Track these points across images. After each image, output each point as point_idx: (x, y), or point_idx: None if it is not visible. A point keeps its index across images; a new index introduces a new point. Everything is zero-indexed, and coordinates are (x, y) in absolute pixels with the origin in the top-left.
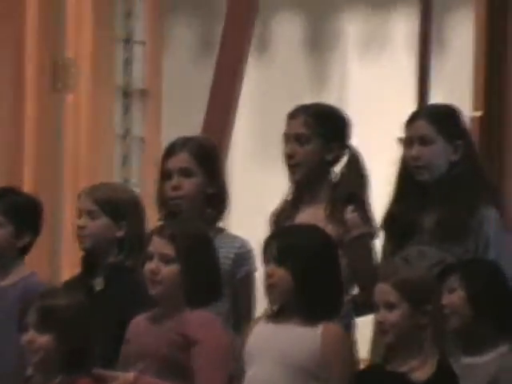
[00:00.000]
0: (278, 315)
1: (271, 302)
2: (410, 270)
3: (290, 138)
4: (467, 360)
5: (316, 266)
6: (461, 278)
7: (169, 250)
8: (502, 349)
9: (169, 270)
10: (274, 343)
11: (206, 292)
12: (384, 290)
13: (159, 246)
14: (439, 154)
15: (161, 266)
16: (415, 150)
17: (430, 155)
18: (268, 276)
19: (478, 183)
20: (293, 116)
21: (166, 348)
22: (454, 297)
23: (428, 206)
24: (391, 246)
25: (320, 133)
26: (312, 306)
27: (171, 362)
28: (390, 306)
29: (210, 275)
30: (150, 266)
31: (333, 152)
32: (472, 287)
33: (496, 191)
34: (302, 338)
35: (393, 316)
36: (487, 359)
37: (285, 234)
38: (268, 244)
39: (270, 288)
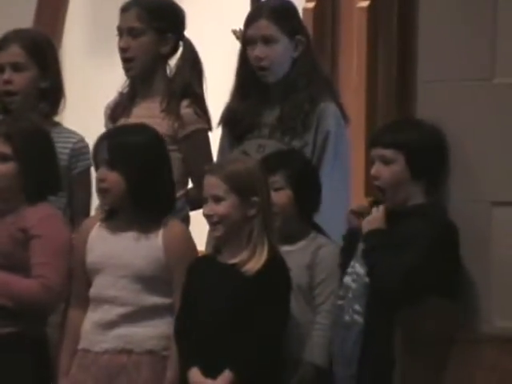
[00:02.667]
0: (114, 221)
1: (104, 206)
2: (237, 162)
3: (123, 31)
4: (285, 248)
5: (147, 167)
6: (287, 177)
7: (5, 148)
8: (312, 235)
9: (5, 168)
10: (115, 254)
11: (44, 187)
12: (212, 183)
13: None
14: (283, 53)
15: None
16: (259, 50)
17: (275, 55)
18: (100, 180)
19: (316, 77)
20: (125, 9)
21: (6, 244)
22: (281, 196)
23: (269, 103)
24: (230, 140)
25: (154, 26)
26: (148, 208)
27: (11, 258)
28: (218, 199)
29: (47, 170)
30: None
31: (168, 44)
32: (299, 187)
33: (333, 85)
34: (145, 246)
35: (221, 208)
36: (302, 245)
37: (115, 136)
38: (98, 146)
39: (102, 192)
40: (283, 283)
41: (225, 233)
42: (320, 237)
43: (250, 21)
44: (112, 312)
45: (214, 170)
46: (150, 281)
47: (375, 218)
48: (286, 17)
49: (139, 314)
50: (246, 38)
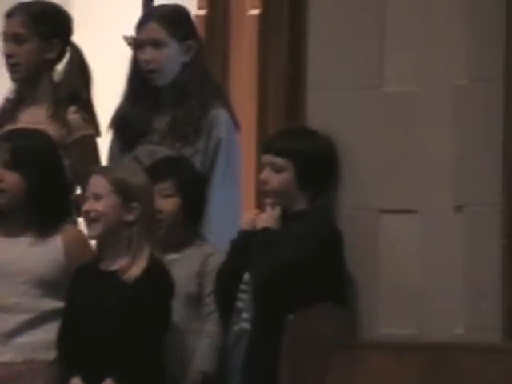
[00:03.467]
0: (5, 227)
1: (1, 207)
2: (124, 167)
3: (7, 37)
4: (171, 256)
5: (48, 170)
6: (176, 185)
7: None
8: (198, 243)
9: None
10: (11, 260)
11: None
12: (95, 182)
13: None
14: (172, 57)
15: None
16: (147, 53)
17: (163, 59)
18: None
19: (206, 84)
20: (10, 15)
21: None
22: (169, 203)
23: (160, 108)
24: (120, 145)
25: (38, 32)
26: (45, 212)
27: None
28: (99, 197)
29: None
30: None
31: (53, 50)
32: (187, 195)
33: (224, 92)
34: (44, 251)
35: (100, 205)
36: (188, 253)
37: (16, 138)
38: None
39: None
40: (163, 289)
41: (102, 232)
42: (207, 245)
43: (140, 24)
44: (12, 320)
45: (101, 170)
46: (50, 285)
47: (270, 216)
48: (176, 21)
49: (41, 320)
50: (136, 42)
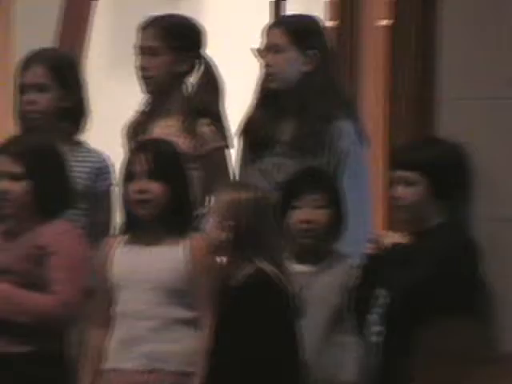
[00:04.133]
0: (136, 236)
1: (144, 217)
2: (230, 191)
3: (141, 50)
4: (308, 268)
5: (183, 181)
6: (328, 196)
7: (15, 167)
8: (335, 254)
9: (17, 188)
10: (139, 268)
11: (56, 204)
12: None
13: (5, 164)
14: (290, 63)
15: (9, 184)
16: (268, 57)
17: (281, 63)
18: (141, 191)
19: (332, 95)
20: (143, 28)
21: (22, 262)
22: (321, 214)
23: (284, 117)
24: (248, 155)
25: (171, 45)
26: (180, 222)
27: (29, 277)
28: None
29: (59, 188)
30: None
31: (185, 63)
32: (336, 205)
33: (351, 103)
34: (170, 259)
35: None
36: (329, 264)
37: (154, 147)
38: (136, 158)
39: (143, 204)
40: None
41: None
42: (346, 257)
43: (266, 31)
44: (138, 327)
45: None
46: (174, 293)
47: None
48: (299, 29)
49: (164, 328)
50: (258, 50)
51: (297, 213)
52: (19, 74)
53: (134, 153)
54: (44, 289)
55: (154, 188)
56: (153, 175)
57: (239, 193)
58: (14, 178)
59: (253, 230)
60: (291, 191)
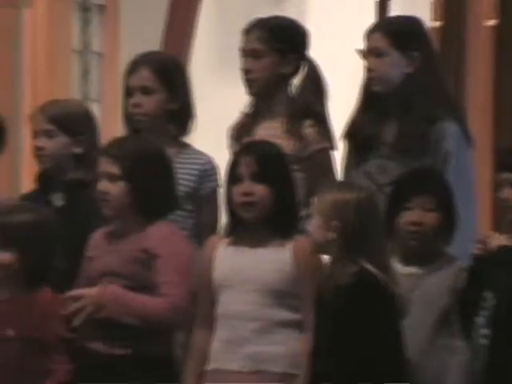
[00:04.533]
0: (240, 237)
1: (249, 220)
2: (337, 191)
3: (245, 52)
4: (417, 270)
5: (287, 183)
6: (437, 199)
7: (114, 168)
8: (446, 256)
9: (115, 189)
10: (243, 269)
11: (159, 206)
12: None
13: (105, 165)
14: (392, 66)
15: (108, 185)
16: (370, 61)
17: (383, 67)
18: (245, 194)
19: (435, 96)
20: (248, 31)
21: (130, 266)
22: (429, 217)
23: (387, 118)
24: (352, 158)
25: (275, 47)
26: (285, 223)
27: (137, 279)
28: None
29: (160, 190)
30: (99, 185)
31: (290, 65)
32: (446, 207)
33: (456, 104)
34: (274, 260)
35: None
36: (439, 266)
37: (259, 149)
38: (241, 160)
39: (247, 206)
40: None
41: None
42: (454, 259)
43: (368, 34)
44: (242, 328)
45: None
46: (278, 295)
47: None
48: (400, 31)
49: (269, 329)
50: (363, 51)
51: (407, 214)
52: (126, 76)
53: (238, 155)
54: (152, 291)
55: (259, 190)
56: (257, 177)
57: (345, 193)
58: (112, 178)
59: (358, 231)
60: (400, 192)
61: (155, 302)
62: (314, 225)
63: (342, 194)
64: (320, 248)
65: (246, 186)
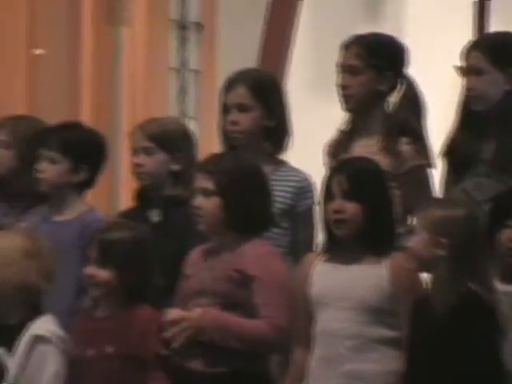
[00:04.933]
0: (337, 254)
1: (341, 237)
2: (445, 206)
3: (342, 68)
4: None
5: (383, 200)
6: None
7: (208, 183)
8: None
9: (209, 204)
10: (340, 286)
11: (253, 222)
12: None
13: (200, 180)
14: (492, 84)
15: (203, 200)
16: (469, 80)
17: (482, 85)
18: (337, 211)
19: None
20: (346, 47)
21: (223, 284)
22: None
23: (486, 136)
24: (451, 175)
25: (373, 64)
26: (380, 240)
27: (230, 298)
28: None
29: (254, 206)
30: (194, 201)
31: (387, 82)
32: None
33: None
34: (370, 277)
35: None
36: None
37: (352, 166)
38: (333, 178)
39: (338, 223)
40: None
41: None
42: None
43: (465, 52)
44: (338, 345)
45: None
46: (374, 312)
47: None
48: (498, 48)
49: (365, 347)
50: (461, 69)
51: (508, 231)
52: (223, 94)
53: (332, 172)
54: (244, 310)
55: (349, 208)
56: (348, 195)
57: (454, 209)
58: (207, 194)
59: (467, 248)
60: (500, 209)
61: (257, 324)
62: (418, 241)
63: (451, 211)
64: (424, 265)
65: (338, 203)
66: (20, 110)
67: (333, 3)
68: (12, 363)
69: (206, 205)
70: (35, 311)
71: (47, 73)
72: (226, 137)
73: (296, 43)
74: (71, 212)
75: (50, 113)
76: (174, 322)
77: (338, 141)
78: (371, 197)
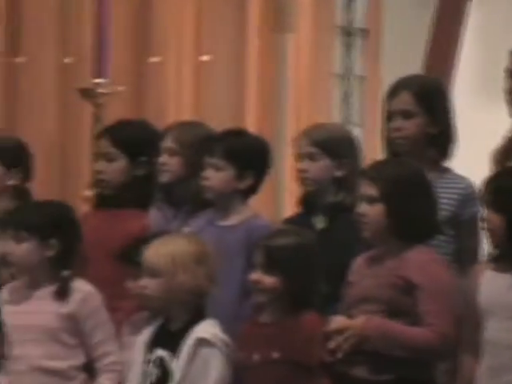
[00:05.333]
0: (504, 262)
1: (491, 247)
2: None
3: (510, 73)
4: None
5: None
6: None
7: (372, 190)
8: None
9: (373, 211)
10: (504, 295)
11: (417, 230)
12: None
13: (364, 187)
14: None
15: (367, 207)
16: None
17: None
18: (486, 221)
19: None
20: None
21: (387, 291)
22: None
23: None
24: None
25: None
26: None
27: (394, 305)
28: None
29: (418, 213)
30: (358, 208)
31: None
32: None
33: None
34: None
35: None
36: None
37: (501, 179)
38: (485, 188)
39: (488, 233)
40: None
41: None
42: None
43: None
44: (501, 355)
45: None
46: None
47: None
48: None
49: None
50: None
51: None
52: (387, 100)
53: (484, 183)
54: (407, 317)
55: (493, 218)
56: (491, 205)
57: None
58: (371, 200)
59: None
60: None
61: (420, 332)
62: None
63: None
64: None
65: (486, 215)
66: (186, 115)
67: (503, 4)
68: (176, 366)
69: (371, 212)
70: (199, 315)
71: (213, 79)
72: (390, 143)
73: (463, 48)
74: (236, 217)
75: (216, 119)
76: (338, 331)
77: (505, 148)
78: None
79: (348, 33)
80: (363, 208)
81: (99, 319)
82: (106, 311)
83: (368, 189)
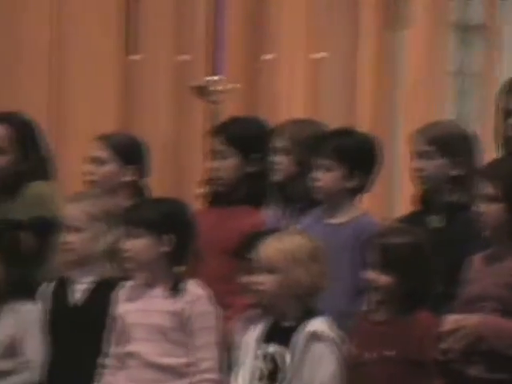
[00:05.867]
0: None
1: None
2: None
3: None
4: None
5: None
6: None
7: (490, 189)
8: None
9: (493, 210)
10: None
11: None
12: None
13: (482, 186)
14: None
15: (486, 206)
16: None
17: None
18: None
19: None
20: None
21: (504, 290)
22: None
23: None
24: None
25: None
26: None
27: (503, 302)
28: None
29: None
30: (478, 207)
31: None
32: None
33: None
34: None
35: None
36: None
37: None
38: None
39: None
40: None
41: None
42: None
43: None
44: None
45: None
46: None
47: None
48: None
49: None
50: None
51: None
52: (503, 98)
53: None
54: None
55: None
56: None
57: None
58: (490, 200)
59: None
60: None
61: None
62: None
63: None
64: None
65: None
66: (298, 113)
67: None
68: (289, 361)
69: (490, 211)
70: (311, 312)
71: (326, 77)
72: (507, 141)
73: None
74: (345, 215)
75: (328, 117)
76: (452, 332)
77: None
78: None
79: (464, 29)
80: (483, 207)
81: (206, 323)
82: (214, 318)
83: (486, 188)
